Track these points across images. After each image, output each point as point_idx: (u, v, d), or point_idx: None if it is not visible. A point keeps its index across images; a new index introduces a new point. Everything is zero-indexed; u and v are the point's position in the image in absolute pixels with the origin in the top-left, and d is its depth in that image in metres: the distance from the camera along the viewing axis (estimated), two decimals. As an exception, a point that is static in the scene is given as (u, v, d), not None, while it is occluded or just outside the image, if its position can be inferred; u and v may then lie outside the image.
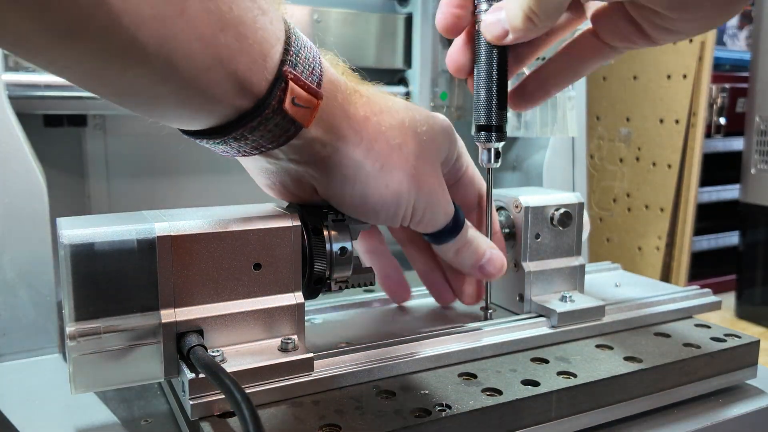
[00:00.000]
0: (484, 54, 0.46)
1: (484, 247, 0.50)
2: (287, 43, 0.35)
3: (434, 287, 0.56)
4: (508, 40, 0.44)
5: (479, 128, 0.48)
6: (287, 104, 0.35)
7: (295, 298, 0.43)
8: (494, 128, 0.48)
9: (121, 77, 0.31)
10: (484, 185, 0.52)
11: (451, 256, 0.50)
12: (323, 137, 0.39)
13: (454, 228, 0.48)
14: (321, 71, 0.38)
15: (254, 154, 0.39)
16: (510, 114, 0.82)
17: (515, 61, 0.49)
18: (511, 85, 0.49)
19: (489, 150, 0.49)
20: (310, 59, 0.37)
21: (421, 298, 0.60)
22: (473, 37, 0.47)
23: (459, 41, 0.48)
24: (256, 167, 0.44)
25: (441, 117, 0.47)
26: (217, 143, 0.38)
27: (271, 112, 0.35)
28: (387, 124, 0.42)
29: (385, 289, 0.57)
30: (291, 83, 0.35)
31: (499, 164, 0.50)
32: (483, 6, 0.46)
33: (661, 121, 1.97)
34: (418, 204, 0.44)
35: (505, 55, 0.47)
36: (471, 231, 0.49)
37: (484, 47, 0.47)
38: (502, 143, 0.49)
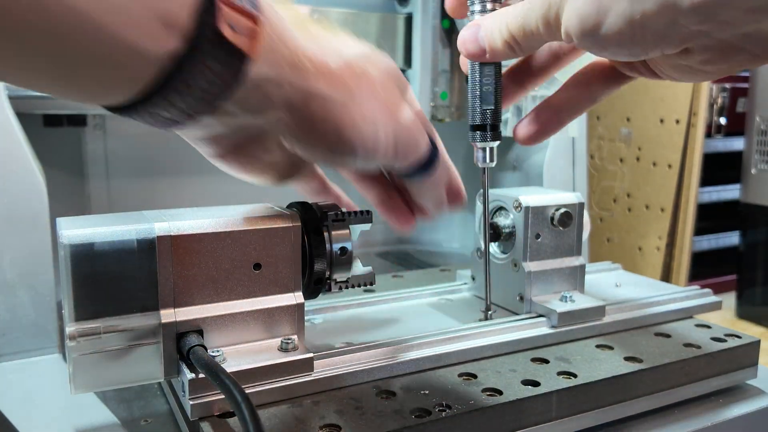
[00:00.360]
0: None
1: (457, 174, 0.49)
2: None
3: (393, 212, 0.50)
4: (486, 58, 0.43)
5: (474, 128, 0.48)
6: (225, 30, 0.30)
7: (295, 298, 0.43)
8: (489, 127, 0.48)
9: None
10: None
11: (427, 188, 0.47)
12: (277, 75, 0.34)
13: (431, 159, 0.45)
14: None
15: (203, 114, 0.33)
16: (510, 114, 0.82)
17: (517, 86, 0.48)
18: (516, 111, 0.49)
19: (484, 150, 0.49)
20: None
21: (422, 298, 0.60)
22: None
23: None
24: (208, 137, 0.39)
25: (385, 56, 0.43)
26: (161, 110, 0.32)
27: (208, 43, 0.30)
28: (346, 53, 0.39)
29: (385, 214, 0.51)
30: (221, 5, 0.30)
31: (494, 164, 0.50)
32: (475, 7, 0.44)
33: (662, 120, 1.97)
34: (398, 134, 0.41)
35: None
36: (447, 157, 0.48)
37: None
38: (497, 143, 0.49)
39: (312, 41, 0.37)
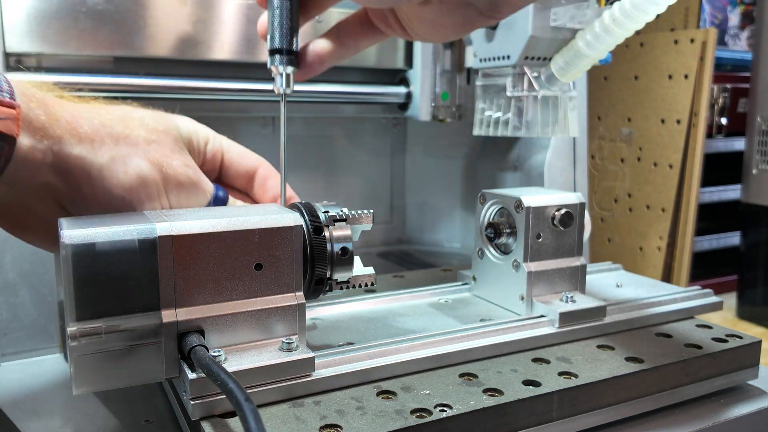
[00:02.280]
0: None
1: None
2: None
3: None
4: None
5: (272, 52, 0.49)
6: None
7: (296, 298, 0.43)
8: (285, 52, 0.48)
9: None
10: (257, 163, 0.53)
11: None
12: (37, 144, 0.39)
13: (221, 199, 0.50)
14: (9, 86, 0.39)
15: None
16: (511, 114, 0.82)
17: (304, 10, 0.50)
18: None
19: (281, 75, 0.49)
20: None
21: (422, 299, 0.60)
22: None
23: None
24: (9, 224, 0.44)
25: (166, 115, 0.49)
26: None
27: None
28: (104, 119, 0.43)
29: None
30: None
31: (291, 90, 0.50)
32: None
33: (663, 121, 1.97)
34: (169, 185, 0.45)
35: None
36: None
37: None
38: (293, 68, 0.49)
39: (67, 109, 0.42)
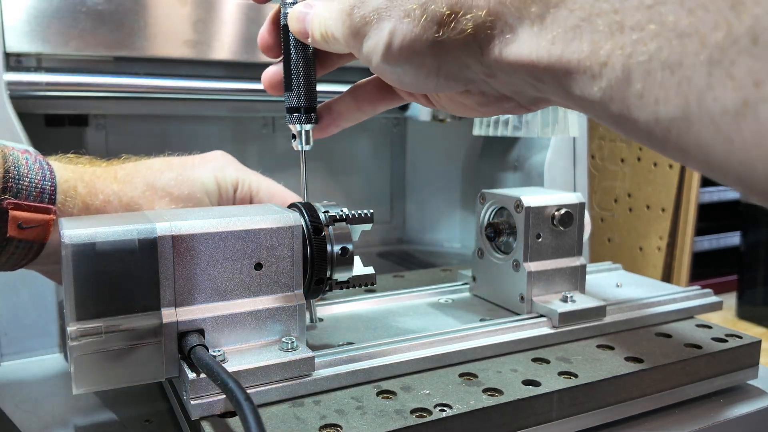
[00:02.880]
0: (292, 38, 0.45)
1: None
2: (5, 179, 0.41)
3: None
4: (308, 42, 0.44)
5: (290, 110, 0.48)
6: (12, 231, 0.41)
7: (296, 298, 0.43)
8: (303, 110, 0.47)
9: None
10: (286, 200, 0.52)
11: None
12: None
13: None
14: (54, 185, 0.43)
15: (24, 266, 0.44)
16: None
17: (321, 63, 0.48)
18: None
19: (300, 133, 0.48)
20: (37, 180, 0.42)
21: (422, 298, 0.60)
22: (278, 21, 0.47)
23: (267, 22, 0.48)
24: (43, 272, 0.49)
25: (192, 173, 0.49)
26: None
27: (1, 243, 0.41)
28: (129, 198, 0.46)
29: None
30: (12, 212, 0.40)
31: (310, 146, 0.49)
32: None
33: (663, 121, 1.97)
34: None
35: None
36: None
37: (283, 32, 0.46)
38: (312, 125, 0.48)
39: (101, 193, 0.45)
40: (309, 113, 0.47)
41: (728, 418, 0.48)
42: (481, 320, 0.53)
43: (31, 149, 0.46)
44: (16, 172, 0.42)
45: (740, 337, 0.52)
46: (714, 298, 0.60)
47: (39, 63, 0.65)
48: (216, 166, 0.50)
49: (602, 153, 2.13)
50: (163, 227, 0.38)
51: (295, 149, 0.49)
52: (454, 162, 1.01)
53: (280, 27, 0.47)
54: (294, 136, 0.49)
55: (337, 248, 0.45)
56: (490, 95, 0.38)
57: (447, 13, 0.31)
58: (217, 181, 0.50)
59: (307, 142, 0.49)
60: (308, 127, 0.48)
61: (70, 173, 0.45)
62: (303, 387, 0.41)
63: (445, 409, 0.39)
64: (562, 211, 0.54)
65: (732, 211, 2.15)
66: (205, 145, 0.71)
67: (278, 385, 0.40)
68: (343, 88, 0.82)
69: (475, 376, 0.45)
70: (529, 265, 0.54)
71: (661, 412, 0.48)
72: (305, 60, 0.46)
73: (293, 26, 0.44)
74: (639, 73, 0.24)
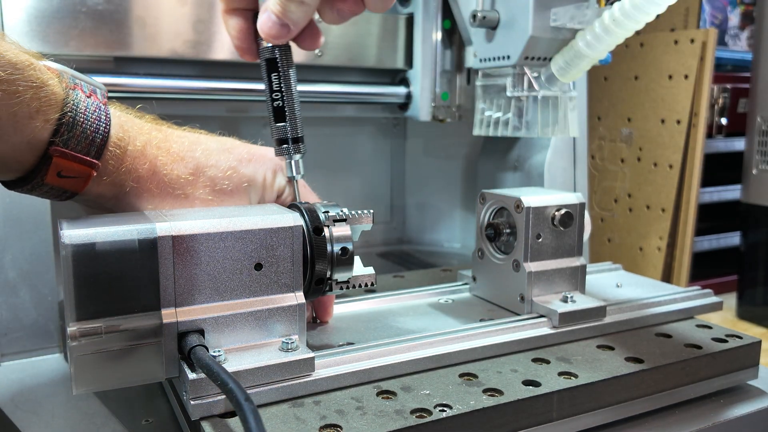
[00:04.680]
0: (275, 71, 0.48)
1: None
2: (59, 123, 0.40)
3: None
4: (291, 32, 0.46)
5: (279, 142, 0.49)
6: (50, 178, 0.40)
7: (296, 298, 0.43)
8: (291, 141, 0.49)
9: None
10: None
11: None
12: (107, 192, 0.44)
13: None
14: (105, 139, 0.42)
15: (58, 200, 0.43)
16: (511, 114, 0.82)
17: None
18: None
19: (289, 164, 0.49)
20: (90, 131, 0.41)
21: (422, 299, 0.60)
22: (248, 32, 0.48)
23: (235, 36, 0.49)
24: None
25: (243, 168, 0.48)
26: (36, 194, 0.43)
27: (36, 183, 0.40)
28: (174, 175, 0.45)
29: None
30: (56, 159, 0.40)
31: (301, 175, 0.50)
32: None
33: (663, 121, 1.97)
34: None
35: (290, 68, 0.48)
36: None
37: (266, 66, 0.48)
38: (301, 156, 0.49)
39: (150, 162, 0.44)
40: (297, 143, 0.49)
41: (728, 418, 0.48)
42: (481, 320, 0.53)
43: (100, 90, 0.44)
44: (71, 119, 0.40)
45: (740, 338, 0.52)
46: (714, 299, 0.60)
47: (39, 63, 0.65)
48: (269, 168, 0.50)
49: (602, 153, 2.13)
50: (164, 227, 0.38)
51: (287, 175, 0.50)
52: (454, 162, 1.01)
53: (250, 32, 0.48)
54: (285, 165, 0.50)
55: (337, 248, 0.45)
56: None
57: None
58: (264, 183, 0.49)
59: (298, 171, 0.50)
60: (297, 157, 0.49)
61: (124, 132, 0.44)
62: (303, 387, 0.41)
63: (445, 409, 0.39)
64: (562, 212, 0.54)
65: (732, 211, 2.15)
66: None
67: (278, 385, 0.40)
68: (342, 88, 0.83)
69: (475, 376, 0.45)
70: (529, 266, 0.54)
71: (661, 412, 0.48)
72: (289, 90, 0.48)
73: (269, 32, 0.45)
74: None
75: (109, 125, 0.42)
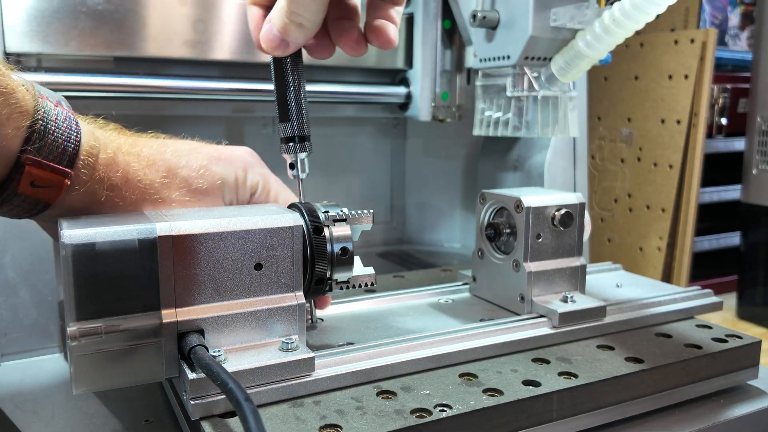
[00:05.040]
0: (284, 69, 0.47)
1: None
2: (31, 131, 0.39)
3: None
4: (290, 49, 0.46)
5: (284, 140, 0.49)
6: (23, 188, 0.39)
7: (296, 298, 0.43)
8: (297, 139, 0.48)
9: None
10: (287, 198, 0.52)
11: None
12: (78, 204, 0.42)
13: None
14: (76, 147, 0.41)
15: (25, 218, 0.42)
16: (511, 114, 0.82)
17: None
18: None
19: (295, 161, 0.49)
20: (61, 140, 0.40)
21: (422, 299, 0.60)
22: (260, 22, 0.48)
23: (253, 27, 0.49)
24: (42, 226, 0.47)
25: (216, 167, 0.48)
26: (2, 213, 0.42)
27: (8, 195, 0.39)
28: (149, 180, 0.45)
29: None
30: (29, 168, 0.39)
31: (306, 174, 0.50)
32: None
33: (663, 121, 1.97)
34: None
35: (298, 68, 0.48)
36: None
37: (274, 63, 0.48)
38: (306, 154, 0.49)
39: (122, 170, 0.43)
40: (303, 142, 0.49)
41: (728, 418, 0.48)
42: (481, 320, 0.53)
43: (65, 102, 0.44)
44: (42, 127, 0.39)
45: (740, 338, 0.52)
46: (714, 299, 0.60)
47: (39, 63, 0.65)
48: (239, 167, 0.49)
49: (602, 153, 2.13)
50: (163, 227, 0.38)
51: (291, 178, 0.50)
52: (454, 162, 1.01)
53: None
54: (291, 165, 0.49)
55: (337, 248, 0.45)
56: None
57: None
58: (236, 182, 0.49)
59: (303, 170, 0.49)
60: (303, 155, 0.49)
61: (95, 140, 0.43)
62: (303, 387, 0.41)
63: (445, 409, 0.39)
64: (562, 212, 0.54)
65: (732, 211, 2.15)
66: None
67: (278, 385, 0.40)
68: (342, 88, 0.83)
69: (475, 376, 0.45)
70: (529, 265, 0.54)
71: (661, 412, 0.48)
72: (297, 89, 0.48)
73: (268, 45, 0.46)
74: None
75: (80, 134, 0.41)
